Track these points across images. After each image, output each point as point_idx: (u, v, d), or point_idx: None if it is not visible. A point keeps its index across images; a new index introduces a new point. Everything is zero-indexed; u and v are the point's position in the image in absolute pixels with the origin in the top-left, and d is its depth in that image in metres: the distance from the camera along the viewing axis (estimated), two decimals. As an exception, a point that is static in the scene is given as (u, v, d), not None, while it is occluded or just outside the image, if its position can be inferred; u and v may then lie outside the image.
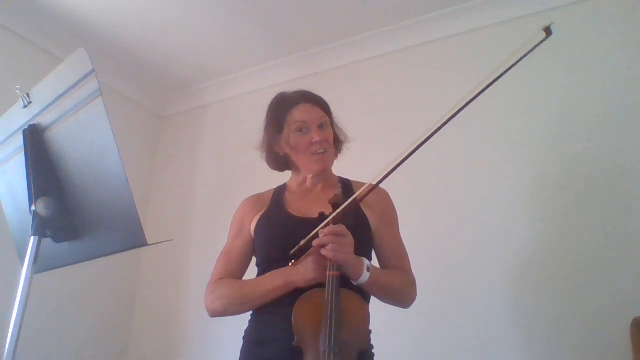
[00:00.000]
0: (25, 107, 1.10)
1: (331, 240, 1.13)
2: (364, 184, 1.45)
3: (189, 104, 3.37)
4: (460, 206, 2.21)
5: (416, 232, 2.21)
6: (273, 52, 2.88)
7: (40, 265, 1.00)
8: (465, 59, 2.41)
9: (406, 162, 1.09)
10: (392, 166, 1.09)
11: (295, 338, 1.12)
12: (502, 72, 0.99)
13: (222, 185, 3.01)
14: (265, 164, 1.49)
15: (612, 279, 1.81)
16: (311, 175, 1.42)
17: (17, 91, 1.10)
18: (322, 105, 1.43)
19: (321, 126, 1.38)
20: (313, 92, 1.46)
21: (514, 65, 0.98)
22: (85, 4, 2.56)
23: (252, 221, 1.41)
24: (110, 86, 3.03)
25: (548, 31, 0.96)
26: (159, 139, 3.45)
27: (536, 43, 0.96)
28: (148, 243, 0.89)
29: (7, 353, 0.92)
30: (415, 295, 1.36)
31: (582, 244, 1.91)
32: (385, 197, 1.44)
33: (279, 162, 1.46)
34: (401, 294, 1.33)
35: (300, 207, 1.38)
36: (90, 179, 1.00)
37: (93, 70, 0.94)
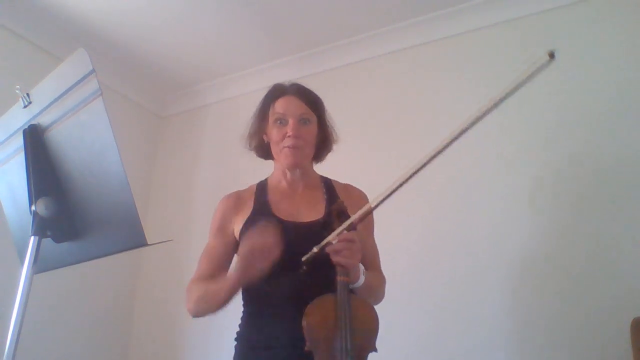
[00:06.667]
0: (25, 107, 1.10)
1: (345, 247, 1.15)
2: (343, 183, 1.47)
3: (189, 104, 3.37)
4: (461, 207, 2.20)
5: (417, 233, 2.21)
6: (273, 52, 2.88)
7: (40, 265, 1.00)
8: (465, 59, 2.41)
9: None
10: (398, 183, 1.10)
11: (307, 343, 1.13)
12: (506, 93, 1.03)
13: (222, 185, 2.98)
14: (259, 159, 1.49)
15: (612, 279, 1.81)
16: (288, 170, 1.38)
17: (17, 91, 1.10)
18: (309, 100, 1.39)
19: (302, 121, 1.35)
20: (311, 88, 1.44)
21: (517, 88, 1.01)
22: (85, 4, 2.56)
23: (233, 222, 1.38)
24: (110, 86, 3.03)
25: (552, 56, 0.99)
26: (159, 139, 3.45)
27: (539, 66, 0.99)
28: (148, 243, 0.89)
29: (7, 353, 0.92)
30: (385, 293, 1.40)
31: (581, 244, 1.91)
32: (365, 199, 1.43)
33: (264, 150, 1.45)
34: (380, 293, 1.38)
35: (286, 210, 1.35)
36: (90, 179, 1.00)
37: (93, 70, 0.94)
